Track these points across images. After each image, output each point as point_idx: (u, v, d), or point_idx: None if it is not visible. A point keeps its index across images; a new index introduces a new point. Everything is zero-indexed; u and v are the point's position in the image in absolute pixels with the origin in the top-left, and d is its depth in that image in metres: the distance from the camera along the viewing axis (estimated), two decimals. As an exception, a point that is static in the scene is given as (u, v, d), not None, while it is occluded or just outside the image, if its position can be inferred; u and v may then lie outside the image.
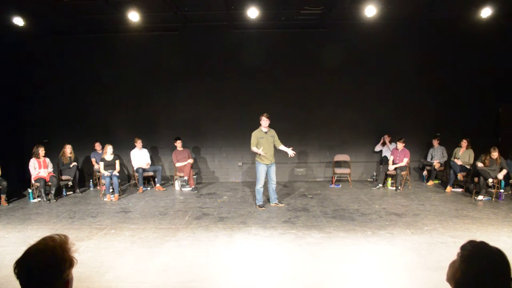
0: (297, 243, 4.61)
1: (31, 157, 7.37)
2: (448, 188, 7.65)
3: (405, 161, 7.88)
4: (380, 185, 8.11)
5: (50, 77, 9.13)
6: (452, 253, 1.38)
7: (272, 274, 3.71)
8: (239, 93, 9.11)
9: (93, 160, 8.72)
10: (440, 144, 8.61)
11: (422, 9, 7.72)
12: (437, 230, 5.04)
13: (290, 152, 6.48)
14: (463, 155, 7.80)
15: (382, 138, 8.92)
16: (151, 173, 8.50)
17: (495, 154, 6.88)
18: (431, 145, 8.76)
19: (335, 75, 9.03)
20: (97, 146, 8.69)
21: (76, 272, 1.33)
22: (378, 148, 9.01)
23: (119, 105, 9.20)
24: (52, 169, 7.64)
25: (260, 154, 6.28)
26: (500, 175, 6.77)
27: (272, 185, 6.56)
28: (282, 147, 6.58)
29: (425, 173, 8.83)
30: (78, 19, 8.01)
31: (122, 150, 9.02)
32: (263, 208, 6.40)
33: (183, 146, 8.55)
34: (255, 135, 6.45)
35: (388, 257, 4.13)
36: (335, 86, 9.08)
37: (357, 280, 3.55)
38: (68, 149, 8.06)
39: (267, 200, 6.80)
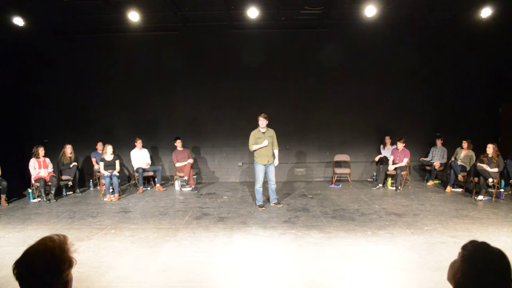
0: (297, 243, 4.61)
1: (31, 157, 7.37)
2: (448, 188, 7.65)
3: (405, 161, 7.87)
4: (380, 185, 8.11)
5: (50, 77, 9.13)
6: (452, 253, 1.38)
7: (272, 274, 3.71)
8: (239, 93, 9.11)
9: (93, 160, 8.71)
10: (443, 144, 8.59)
11: (422, 9, 7.72)
12: (437, 230, 5.04)
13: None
14: (465, 158, 7.78)
15: (385, 139, 8.88)
16: (151, 173, 8.50)
17: (489, 151, 6.88)
18: (434, 144, 8.75)
19: (335, 75, 9.02)
20: (99, 146, 8.68)
21: (76, 272, 1.33)
22: (383, 152, 8.93)
23: (119, 105, 9.20)
24: (52, 169, 7.64)
25: (264, 146, 6.32)
26: (491, 170, 6.75)
27: (272, 186, 6.55)
28: (275, 152, 6.58)
29: (428, 166, 8.77)
30: (78, 19, 8.02)
31: (122, 150, 9.03)
32: (263, 208, 6.40)
33: (183, 146, 8.55)
34: (253, 135, 6.45)
35: (388, 257, 4.12)
36: (335, 86, 9.08)
37: (357, 280, 3.54)
38: (68, 149, 8.06)
39: (267, 200, 6.80)
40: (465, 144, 7.87)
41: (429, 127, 9.14)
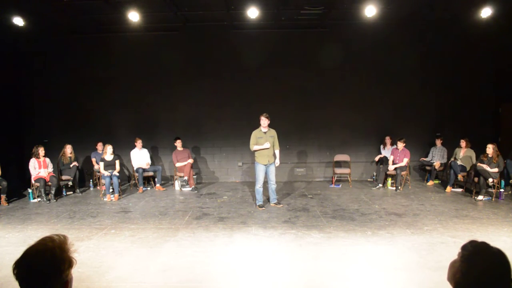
0: (297, 243, 4.61)
1: (31, 157, 7.37)
2: (448, 188, 7.65)
3: (405, 161, 7.87)
4: (380, 185, 8.11)
5: (50, 77, 9.12)
6: (452, 253, 1.38)
7: (272, 274, 3.71)
8: (239, 93, 9.11)
9: (93, 160, 8.71)
10: (442, 144, 8.59)
11: (422, 9, 7.72)
12: (437, 230, 5.04)
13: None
14: (465, 158, 7.76)
15: (385, 139, 8.88)
16: (151, 173, 8.50)
17: (489, 151, 6.88)
18: (434, 144, 8.75)
19: (335, 75, 9.03)
20: (99, 146, 8.68)
21: (76, 272, 1.33)
22: (383, 152, 8.91)
23: (119, 105, 9.19)
24: (52, 169, 7.64)
25: (265, 148, 6.31)
26: (491, 170, 6.75)
27: (272, 186, 6.54)
28: (276, 152, 6.57)
29: (428, 166, 8.77)
30: (78, 19, 8.01)
31: (122, 150, 9.03)
32: (263, 208, 6.40)
33: (183, 146, 8.54)
34: (254, 135, 6.45)
35: (388, 257, 4.12)
36: (335, 86, 9.08)
37: (357, 280, 3.54)
38: (68, 149, 8.06)
39: (267, 200, 6.80)
40: (463, 143, 7.87)
41: (429, 127, 9.13)
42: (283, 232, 5.07)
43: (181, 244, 4.63)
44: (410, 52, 8.84)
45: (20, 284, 1.22)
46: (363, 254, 4.22)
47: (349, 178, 8.74)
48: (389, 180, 8.16)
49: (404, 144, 7.95)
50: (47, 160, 7.57)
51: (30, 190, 7.35)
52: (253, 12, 7.31)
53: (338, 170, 8.71)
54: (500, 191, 6.84)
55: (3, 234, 5.17)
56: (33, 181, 7.31)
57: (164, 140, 9.23)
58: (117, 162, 7.66)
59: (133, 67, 9.11)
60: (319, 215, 5.91)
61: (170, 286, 3.48)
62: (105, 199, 7.30)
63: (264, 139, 6.36)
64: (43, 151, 7.43)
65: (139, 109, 9.23)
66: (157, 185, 8.36)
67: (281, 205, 6.57)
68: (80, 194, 7.89)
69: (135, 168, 8.25)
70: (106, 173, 7.35)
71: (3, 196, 6.94)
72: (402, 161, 7.87)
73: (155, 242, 4.73)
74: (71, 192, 7.97)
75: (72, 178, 7.88)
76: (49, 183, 7.32)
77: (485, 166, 6.79)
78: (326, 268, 3.84)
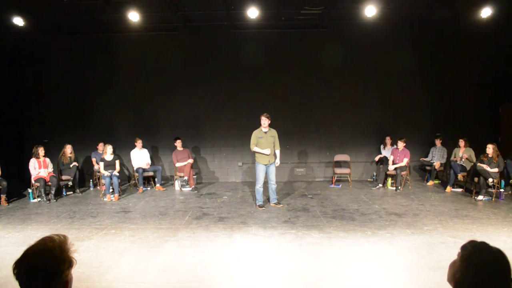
0: (297, 243, 4.61)
1: (31, 157, 7.37)
2: (448, 188, 7.65)
3: (405, 161, 7.87)
4: (380, 185, 8.11)
5: (50, 77, 9.12)
6: (452, 253, 1.38)
7: (272, 274, 3.71)
8: (239, 93, 9.12)
9: (93, 160, 8.71)
10: (442, 144, 8.59)
11: (422, 9, 7.72)
12: (437, 230, 5.04)
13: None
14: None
15: (385, 139, 8.88)
16: (151, 173, 8.50)
17: (489, 151, 6.88)
18: (434, 144, 8.75)
19: (335, 75, 9.03)
20: (100, 146, 8.67)
21: (76, 272, 1.33)
22: (384, 152, 8.91)
23: (119, 105, 9.19)
24: (52, 169, 7.64)
25: (264, 154, 6.31)
26: (491, 170, 6.75)
27: (272, 186, 6.54)
28: (277, 152, 6.56)
29: (428, 167, 8.77)
30: (78, 19, 8.02)
31: (122, 150, 9.03)
32: (263, 208, 6.40)
33: (183, 146, 8.55)
34: (255, 134, 6.45)
35: (388, 257, 4.12)
36: (335, 86, 9.08)
37: (357, 280, 3.54)
38: (68, 149, 8.05)
39: (267, 200, 6.80)
40: (462, 142, 7.88)
41: (429, 127, 9.13)
42: (283, 232, 5.07)
43: (181, 244, 4.63)
44: (410, 52, 8.84)
45: (20, 284, 1.23)
46: (363, 254, 4.22)
47: (349, 178, 8.74)
48: (389, 180, 8.16)
49: (405, 144, 7.94)
50: (47, 160, 7.57)
51: (30, 190, 7.35)
52: (253, 12, 7.31)
53: (338, 170, 8.71)
54: (500, 191, 6.84)
55: (3, 234, 5.17)
56: (33, 181, 7.31)
57: (164, 140, 9.23)
58: (117, 162, 7.66)
59: (133, 67, 9.11)
60: (319, 215, 5.91)
61: (170, 286, 3.48)
62: (105, 199, 7.30)
63: (264, 139, 6.36)
64: (43, 151, 7.43)
65: (139, 109, 9.23)
66: (157, 185, 8.36)
67: (281, 205, 6.57)
68: (80, 194, 7.89)
69: (135, 168, 8.25)
70: (106, 173, 7.35)
71: (3, 196, 6.94)
72: (402, 161, 7.87)
73: (155, 242, 4.73)
74: (71, 192, 7.98)
75: (72, 178, 7.88)
76: (49, 183, 7.32)
77: (485, 166, 6.79)
78: (326, 268, 3.84)
